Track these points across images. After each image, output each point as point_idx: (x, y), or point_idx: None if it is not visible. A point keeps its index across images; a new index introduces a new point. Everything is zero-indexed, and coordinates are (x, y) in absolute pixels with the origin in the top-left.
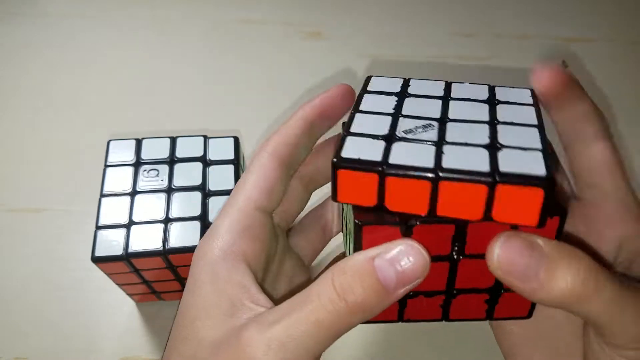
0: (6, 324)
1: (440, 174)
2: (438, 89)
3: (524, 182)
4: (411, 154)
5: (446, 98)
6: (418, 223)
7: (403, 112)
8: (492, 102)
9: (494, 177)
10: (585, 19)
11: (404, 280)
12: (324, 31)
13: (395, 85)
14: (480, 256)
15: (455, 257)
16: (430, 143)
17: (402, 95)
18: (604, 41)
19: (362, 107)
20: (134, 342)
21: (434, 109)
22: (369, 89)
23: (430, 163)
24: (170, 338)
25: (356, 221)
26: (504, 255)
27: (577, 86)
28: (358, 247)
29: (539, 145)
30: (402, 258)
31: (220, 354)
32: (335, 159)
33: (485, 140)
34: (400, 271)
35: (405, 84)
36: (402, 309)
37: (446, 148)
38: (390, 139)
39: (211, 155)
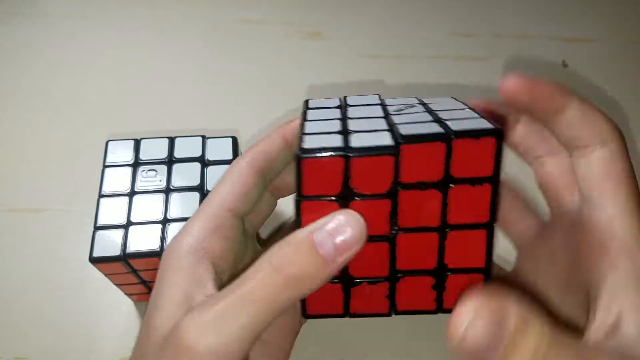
0: (6, 324)
1: (401, 141)
2: (373, 99)
3: (477, 134)
4: (368, 139)
5: (383, 105)
6: (357, 199)
7: (349, 116)
8: (424, 103)
9: (450, 135)
10: (585, 19)
11: (343, 248)
12: (324, 31)
13: (334, 101)
14: (418, 230)
15: (393, 232)
16: (383, 130)
17: (343, 106)
18: (604, 41)
19: (309, 118)
20: (134, 342)
21: (375, 111)
22: (310, 106)
23: (389, 141)
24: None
25: (296, 198)
26: (471, 335)
27: (562, 90)
28: (298, 225)
29: (477, 116)
30: (341, 228)
31: (165, 347)
32: (298, 151)
33: (431, 118)
34: (339, 240)
35: (343, 99)
36: (347, 300)
37: (400, 127)
38: (345, 133)
39: (209, 156)
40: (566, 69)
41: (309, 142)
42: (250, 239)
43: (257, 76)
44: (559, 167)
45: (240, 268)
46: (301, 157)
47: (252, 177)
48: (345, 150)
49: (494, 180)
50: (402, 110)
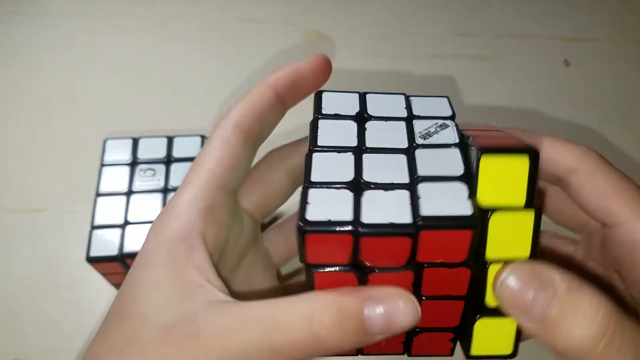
0: (6, 324)
1: (421, 224)
2: (398, 104)
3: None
4: (383, 205)
5: (409, 118)
6: (377, 271)
7: (367, 141)
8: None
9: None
10: (586, 18)
11: (391, 331)
12: (325, 31)
13: (351, 103)
14: (442, 297)
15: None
16: (401, 187)
17: (361, 115)
18: (605, 40)
19: (319, 141)
20: None
21: (398, 132)
22: (323, 109)
23: (407, 218)
24: (108, 313)
25: (307, 270)
26: (510, 285)
27: (531, 134)
28: (310, 286)
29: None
30: (398, 316)
31: (171, 339)
32: (301, 223)
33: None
34: (391, 326)
35: (361, 100)
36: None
37: (423, 199)
38: (357, 186)
39: None
40: (568, 68)
41: (315, 206)
42: (252, 224)
43: (257, 75)
44: (561, 199)
45: (234, 258)
46: (305, 231)
47: (240, 146)
48: (355, 226)
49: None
50: (430, 133)
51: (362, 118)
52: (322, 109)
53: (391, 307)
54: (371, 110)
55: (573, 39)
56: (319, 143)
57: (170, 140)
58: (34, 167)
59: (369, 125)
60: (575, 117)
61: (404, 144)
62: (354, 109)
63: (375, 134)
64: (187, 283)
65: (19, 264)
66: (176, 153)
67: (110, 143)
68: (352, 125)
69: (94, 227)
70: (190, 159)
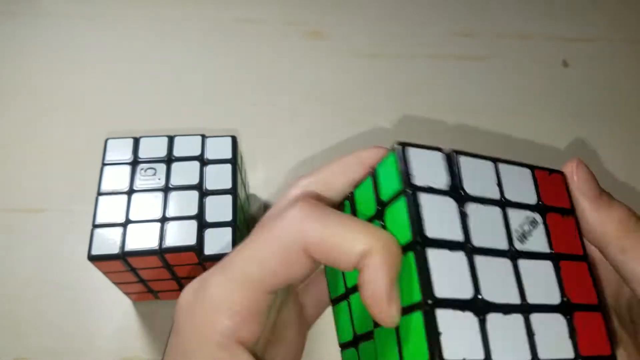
0: (6, 324)
1: None
2: (489, 177)
3: None
4: (508, 344)
5: (502, 204)
6: None
7: (473, 240)
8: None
9: None
10: (584, 19)
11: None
12: (324, 30)
13: (440, 175)
14: None
15: None
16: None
17: (458, 196)
18: (604, 41)
19: (430, 232)
20: (132, 342)
21: (497, 230)
22: (416, 182)
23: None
24: None
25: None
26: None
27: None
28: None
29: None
30: None
31: None
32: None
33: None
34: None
35: (450, 168)
36: None
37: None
38: (477, 306)
39: (209, 155)
40: (566, 68)
41: (448, 345)
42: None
43: (256, 75)
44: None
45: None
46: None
47: (302, 255)
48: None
49: None
50: (524, 234)
51: (459, 196)
52: (414, 177)
53: None
54: (467, 185)
55: (572, 40)
56: (430, 234)
57: (171, 139)
58: (34, 167)
59: (470, 209)
60: (574, 117)
61: (503, 242)
62: (442, 176)
63: (478, 224)
64: None
65: (20, 263)
66: (177, 152)
67: (111, 142)
68: (452, 206)
69: (95, 226)
70: (191, 158)
